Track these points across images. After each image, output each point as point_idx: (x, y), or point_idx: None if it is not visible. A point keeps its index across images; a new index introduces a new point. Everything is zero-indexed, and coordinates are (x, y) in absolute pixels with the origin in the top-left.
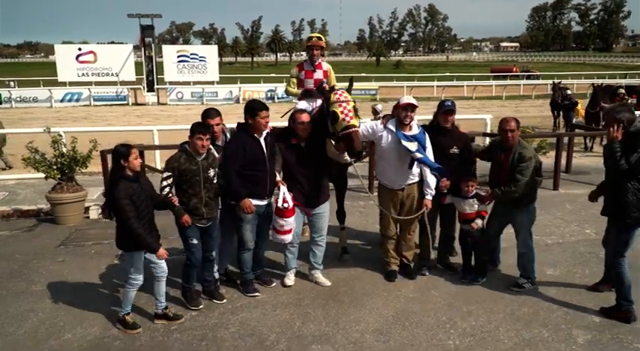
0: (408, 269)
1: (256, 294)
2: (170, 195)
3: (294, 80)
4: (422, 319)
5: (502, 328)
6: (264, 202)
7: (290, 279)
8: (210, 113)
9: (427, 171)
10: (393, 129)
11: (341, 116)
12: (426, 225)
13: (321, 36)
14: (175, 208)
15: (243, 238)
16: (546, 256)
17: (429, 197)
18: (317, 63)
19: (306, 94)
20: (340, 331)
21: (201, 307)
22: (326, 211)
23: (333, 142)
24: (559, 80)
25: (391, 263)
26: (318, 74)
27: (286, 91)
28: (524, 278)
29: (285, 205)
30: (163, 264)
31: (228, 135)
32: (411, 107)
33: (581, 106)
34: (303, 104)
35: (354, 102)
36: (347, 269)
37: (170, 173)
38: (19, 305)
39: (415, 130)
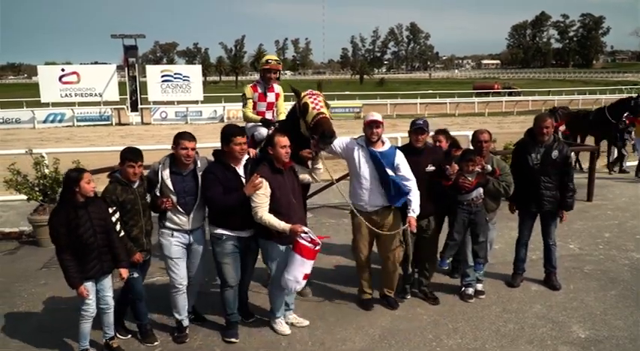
0: (389, 299)
1: (233, 339)
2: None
3: (251, 102)
4: (408, 338)
5: (488, 345)
6: (243, 234)
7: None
8: (186, 136)
9: (412, 189)
10: (364, 145)
11: (311, 105)
12: (409, 245)
13: (279, 58)
14: (128, 245)
15: (223, 275)
16: (531, 272)
17: (412, 214)
18: (270, 86)
19: (266, 125)
20: None
21: (156, 343)
22: None
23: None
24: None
25: (365, 293)
26: (271, 97)
27: (245, 117)
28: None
29: (318, 247)
30: (107, 298)
31: (199, 163)
32: (376, 124)
33: None
34: (264, 130)
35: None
36: (333, 287)
37: (115, 207)
38: (1, 329)
39: (386, 146)
